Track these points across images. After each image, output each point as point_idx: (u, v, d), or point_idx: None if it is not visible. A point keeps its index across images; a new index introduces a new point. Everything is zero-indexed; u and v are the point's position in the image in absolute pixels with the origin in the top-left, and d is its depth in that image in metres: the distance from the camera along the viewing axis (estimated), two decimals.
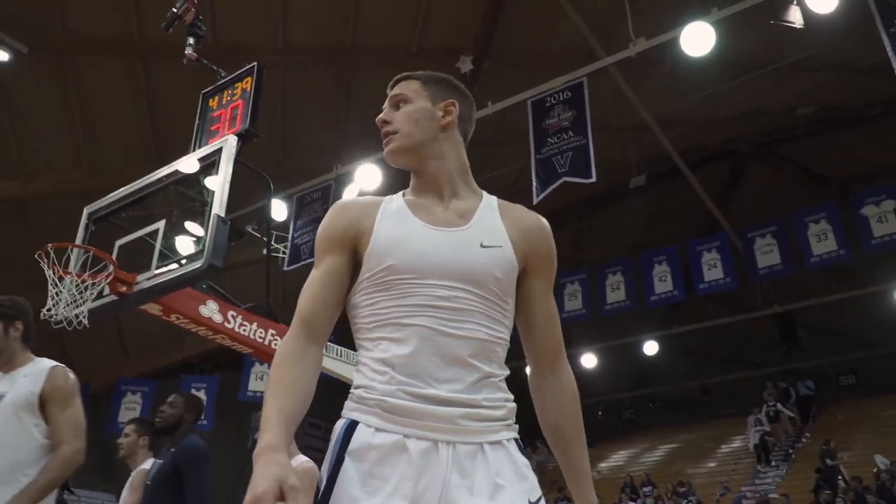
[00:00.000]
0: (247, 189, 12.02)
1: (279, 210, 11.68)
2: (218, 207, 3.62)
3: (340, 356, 5.52)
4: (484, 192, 1.73)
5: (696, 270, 14.09)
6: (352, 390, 1.56)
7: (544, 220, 1.71)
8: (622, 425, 23.05)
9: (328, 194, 11.41)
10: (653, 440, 20.60)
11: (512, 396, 1.58)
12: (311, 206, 11.50)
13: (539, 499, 1.48)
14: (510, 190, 11.14)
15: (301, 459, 3.89)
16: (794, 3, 8.03)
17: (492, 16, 11.70)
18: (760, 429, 14.87)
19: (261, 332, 4.95)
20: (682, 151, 15.60)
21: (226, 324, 4.70)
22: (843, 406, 18.71)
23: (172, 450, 3.66)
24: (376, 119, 1.73)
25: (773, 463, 14.82)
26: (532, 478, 1.51)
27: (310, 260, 11.37)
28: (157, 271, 3.73)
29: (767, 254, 13.49)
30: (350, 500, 1.40)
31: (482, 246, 1.57)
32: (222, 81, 4.91)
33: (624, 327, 18.20)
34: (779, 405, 15.77)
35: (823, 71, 13.06)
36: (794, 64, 11.88)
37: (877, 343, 20.50)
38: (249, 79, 4.68)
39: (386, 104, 1.73)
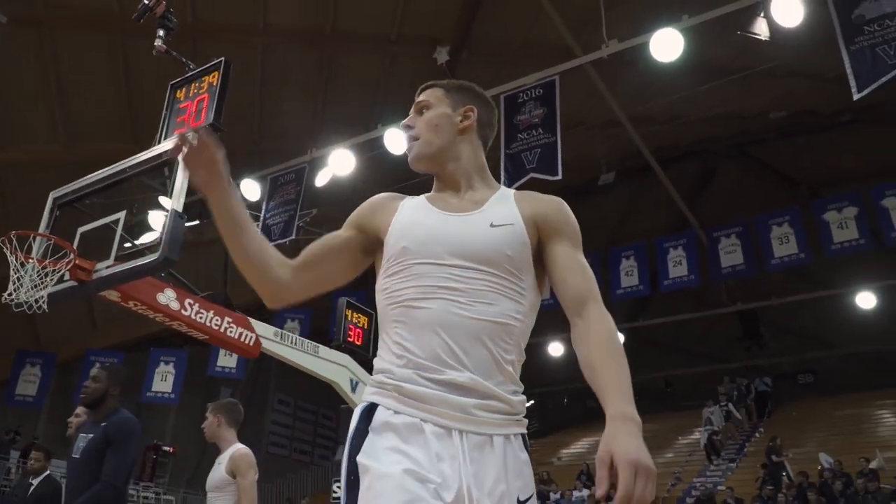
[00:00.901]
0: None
1: (252, 190, 11.77)
2: (176, 203, 3.75)
3: (294, 344, 5.70)
4: (502, 186, 1.80)
5: (662, 267, 14.40)
6: (373, 375, 1.63)
7: (557, 198, 1.76)
8: (586, 413, 23.50)
9: (302, 176, 11.51)
10: None
11: (522, 387, 1.61)
12: (285, 188, 11.60)
13: (529, 497, 1.51)
14: None
15: (238, 446, 4.13)
16: (761, 15, 8.25)
17: (471, 6, 11.78)
18: (709, 428, 15.30)
19: (217, 320, 5.11)
20: (654, 149, 15.85)
21: (182, 311, 4.85)
22: (799, 404, 19.22)
23: (103, 424, 3.66)
24: (401, 123, 1.86)
25: (725, 457, 15.27)
26: (528, 476, 1.54)
27: (280, 241, 11.52)
28: (115, 260, 3.87)
29: (731, 253, 13.83)
30: (384, 448, 1.48)
31: (492, 226, 1.63)
32: (190, 74, 5.00)
33: None
34: (730, 405, 16.21)
35: (795, 78, 13.34)
36: (767, 71, 12.13)
37: (836, 344, 21.06)
38: (217, 73, 4.77)
39: (412, 110, 1.84)
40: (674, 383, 22.22)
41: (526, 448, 1.58)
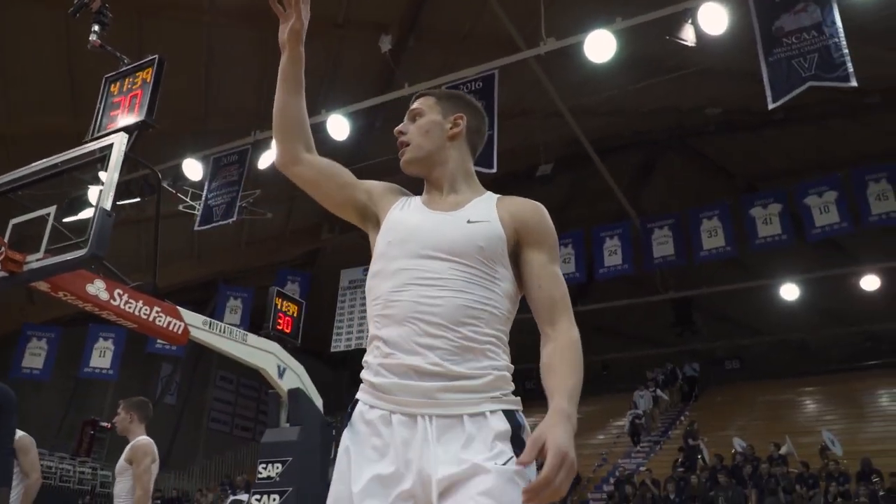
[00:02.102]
0: (164, 145, 12.11)
1: (194, 169, 11.77)
2: (105, 201, 3.90)
3: (223, 332, 5.89)
4: (487, 192, 1.87)
5: (598, 255, 14.89)
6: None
7: (536, 203, 1.82)
8: (525, 394, 24.07)
9: (245, 158, 11.57)
10: None
11: (502, 363, 1.67)
12: (227, 169, 11.64)
13: (508, 460, 1.52)
14: None
15: (141, 437, 4.45)
16: (689, 21, 8.62)
17: None
18: (633, 412, 15.94)
19: (146, 309, 5.27)
20: (597, 139, 16.27)
21: (111, 301, 5.00)
22: (725, 389, 20.08)
23: None
24: (395, 130, 1.93)
25: (650, 439, 15.98)
26: (502, 447, 1.54)
27: (223, 222, 11.60)
28: (46, 253, 4.00)
29: (663, 244, 14.37)
30: (343, 464, 1.60)
31: (468, 222, 1.72)
32: (125, 69, 5.08)
33: None
34: (658, 391, 16.89)
35: (728, 78, 13.82)
36: (701, 70, 12.57)
37: (765, 331, 22.02)
38: (150, 69, 4.87)
39: (406, 117, 1.93)
40: (610, 366, 22.94)
41: (511, 420, 1.60)
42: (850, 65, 7.69)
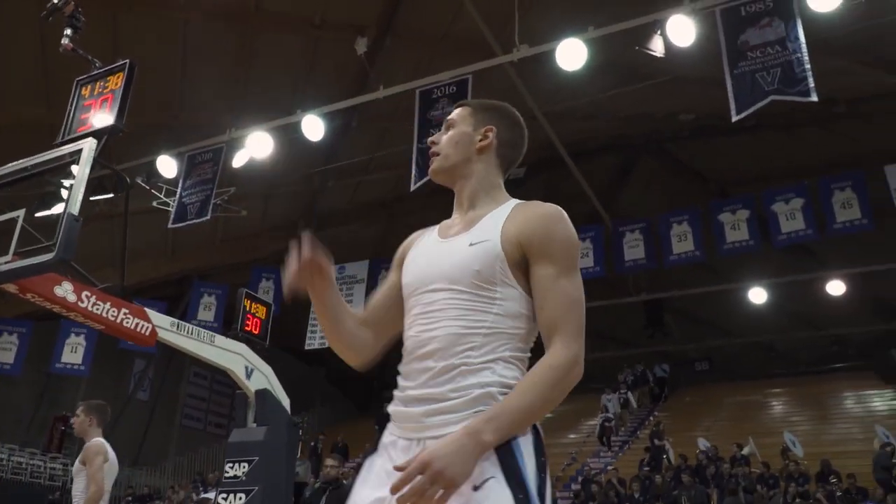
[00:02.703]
0: (139, 141, 12.10)
1: (169, 166, 11.75)
2: (72, 206, 3.97)
3: (191, 333, 5.97)
4: (510, 200, 1.81)
5: None
6: None
7: (549, 208, 1.74)
8: None
9: (219, 156, 11.56)
10: None
11: (495, 378, 1.60)
12: (201, 167, 11.63)
13: (484, 482, 1.48)
14: (407, 167, 11.42)
15: (94, 439, 4.72)
16: (658, 33, 8.80)
17: None
18: (604, 415, 16.17)
19: (113, 311, 5.33)
20: (574, 142, 16.47)
21: (79, 303, 5.06)
22: (694, 390, 20.42)
23: None
24: (428, 140, 1.95)
25: (619, 439, 16.24)
26: (485, 463, 1.49)
27: (196, 220, 11.61)
28: (14, 256, 4.07)
29: (634, 248, 14.60)
30: (357, 486, 1.69)
31: (470, 245, 1.69)
32: (96, 72, 5.15)
33: None
34: (629, 393, 17.16)
35: (700, 85, 14.05)
36: (675, 78, 12.79)
37: (734, 333, 22.41)
38: (121, 74, 4.94)
39: (443, 126, 1.94)
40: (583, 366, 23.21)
41: (499, 451, 1.54)
42: (811, 80, 7.90)
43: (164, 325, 5.78)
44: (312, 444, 17.85)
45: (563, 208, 1.75)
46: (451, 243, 1.76)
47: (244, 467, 6.12)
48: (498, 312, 1.64)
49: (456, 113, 1.93)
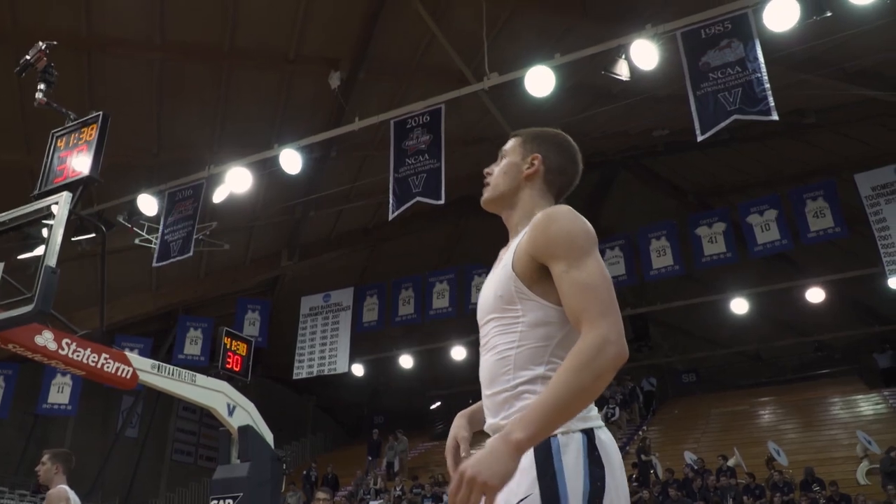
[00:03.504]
0: (119, 179, 12.20)
1: (149, 204, 11.85)
2: (50, 258, 4.08)
3: (172, 374, 6.06)
4: (534, 216, 1.84)
5: None
6: None
7: (544, 212, 1.78)
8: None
9: (199, 193, 11.68)
10: None
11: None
12: (182, 204, 11.74)
13: (524, 498, 1.57)
14: (385, 195, 11.56)
15: (58, 486, 4.82)
16: (622, 57, 9.04)
17: (367, 27, 12.17)
18: None
19: (94, 357, 5.43)
20: None
21: (60, 351, 5.16)
22: (681, 402, 20.53)
23: None
24: (484, 170, 2.01)
25: None
26: (517, 483, 1.55)
27: (180, 257, 11.69)
28: None
29: (614, 265, 14.78)
30: None
31: (494, 274, 1.80)
32: (71, 125, 5.28)
33: None
34: (616, 409, 17.28)
35: (671, 102, 14.33)
36: (646, 97, 13.03)
37: (720, 343, 22.61)
38: (95, 126, 5.08)
39: (498, 158, 2.02)
40: None
41: (538, 454, 1.61)
42: (771, 99, 8.14)
43: (144, 368, 5.87)
44: (305, 472, 17.84)
45: None
46: (490, 275, 1.86)
47: (229, 503, 6.19)
48: (523, 329, 1.72)
49: (508, 144, 2.02)
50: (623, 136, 16.98)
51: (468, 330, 19.17)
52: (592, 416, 1.70)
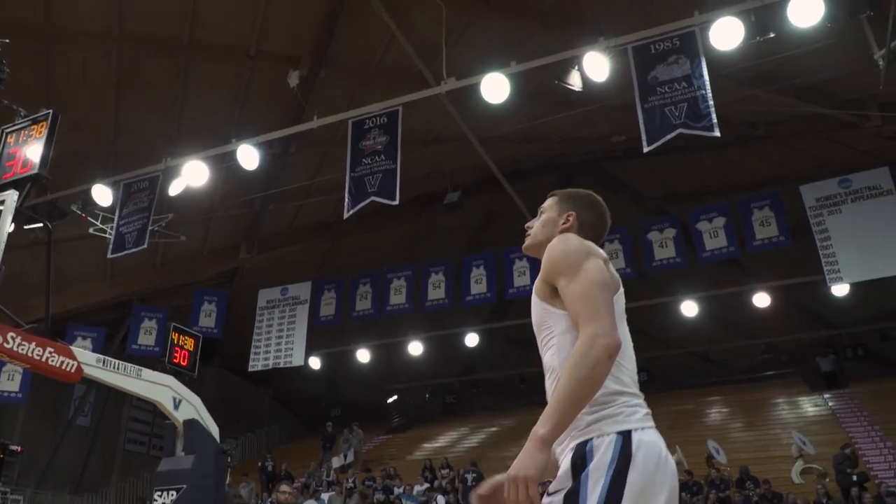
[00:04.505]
0: (73, 169, 12.13)
1: (104, 195, 11.81)
2: None
3: (117, 368, 6.16)
4: None
5: (508, 276, 15.54)
6: None
7: (551, 242, 2.14)
8: (445, 408, 24.66)
9: (155, 185, 11.67)
10: (474, 423, 22.23)
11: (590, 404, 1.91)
12: (138, 195, 11.73)
13: (556, 491, 1.85)
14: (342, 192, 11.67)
15: None
16: (575, 68, 9.30)
17: (328, 27, 12.25)
18: None
19: (38, 350, 5.51)
20: (510, 164, 16.95)
21: (4, 344, 5.23)
22: None
23: None
24: (526, 225, 2.40)
25: None
26: (560, 481, 1.87)
27: (135, 249, 11.67)
28: None
29: None
30: None
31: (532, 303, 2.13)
32: (21, 122, 5.36)
33: (457, 318, 19.60)
34: None
35: (627, 110, 14.67)
36: (602, 106, 13.34)
37: (672, 344, 23.16)
38: (45, 123, 5.16)
39: (538, 213, 2.37)
40: (528, 379, 23.68)
41: (576, 454, 1.87)
42: (714, 116, 8.47)
43: (89, 362, 5.95)
44: (261, 464, 17.89)
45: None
46: None
47: (172, 495, 6.32)
48: (558, 339, 2.04)
49: (547, 202, 2.38)
50: (581, 140, 17.32)
51: (425, 326, 19.40)
52: (635, 419, 1.93)
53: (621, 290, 2.14)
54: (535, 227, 2.34)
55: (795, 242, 14.22)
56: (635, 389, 2.04)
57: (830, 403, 17.80)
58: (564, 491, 1.82)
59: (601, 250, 2.13)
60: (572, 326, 1.99)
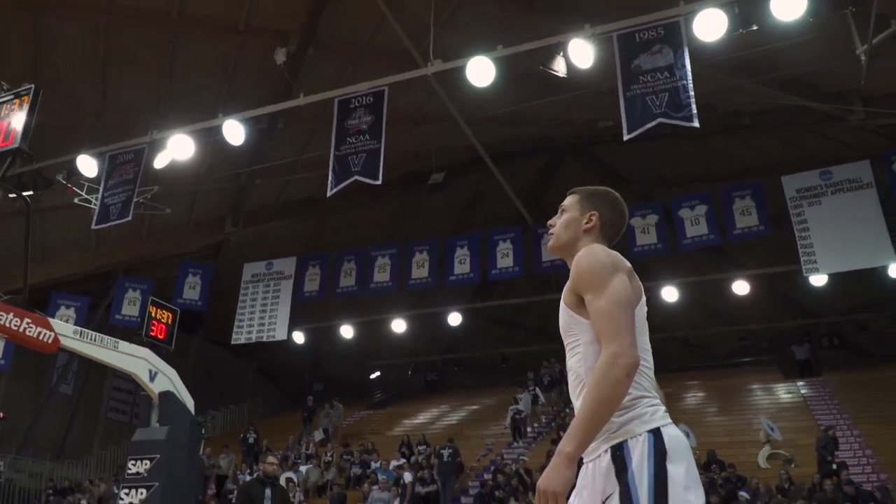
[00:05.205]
0: (58, 139, 12.11)
1: (89, 165, 11.80)
2: None
3: (94, 340, 6.27)
4: None
5: (492, 257, 15.69)
6: None
7: (580, 252, 2.15)
8: (427, 385, 24.91)
9: (141, 157, 11.65)
10: (455, 401, 22.49)
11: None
12: (123, 167, 11.72)
13: (610, 496, 1.92)
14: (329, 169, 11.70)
15: None
16: (560, 54, 9.36)
17: (318, 3, 12.23)
18: (514, 408, 16.86)
19: (16, 321, 5.60)
20: (498, 146, 17.03)
21: None
22: None
23: None
24: (548, 222, 2.41)
25: (534, 432, 16.99)
26: (601, 483, 1.96)
27: (119, 221, 11.70)
28: None
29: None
30: None
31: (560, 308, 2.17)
32: (4, 96, 5.40)
33: (440, 297, 19.77)
34: (537, 389, 17.91)
35: (612, 95, 14.72)
36: (590, 91, 13.38)
37: (653, 328, 23.31)
38: (27, 97, 5.21)
39: (559, 212, 2.38)
40: (509, 359, 23.94)
41: (614, 456, 1.96)
42: (694, 106, 8.57)
43: (66, 333, 6.05)
44: (243, 435, 18.06)
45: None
46: None
47: (146, 464, 6.46)
48: (584, 348, 2.10)
49: (568, 200, 2.37)
50: (569, 124, 17.39)
51: (408, 304, 19.55)
52: (658, 417, 2.04)
53: (643, 299, 2.20)
54: (558, 226, 2.35)
55: (777, 232, 14.42)
56: (654, 392, 2.14)
57: (803, 391, 18.14)
58: (615, 494, 1.92)
59: (626, 261, 2.16)
60: (596, 339, 2.06)
